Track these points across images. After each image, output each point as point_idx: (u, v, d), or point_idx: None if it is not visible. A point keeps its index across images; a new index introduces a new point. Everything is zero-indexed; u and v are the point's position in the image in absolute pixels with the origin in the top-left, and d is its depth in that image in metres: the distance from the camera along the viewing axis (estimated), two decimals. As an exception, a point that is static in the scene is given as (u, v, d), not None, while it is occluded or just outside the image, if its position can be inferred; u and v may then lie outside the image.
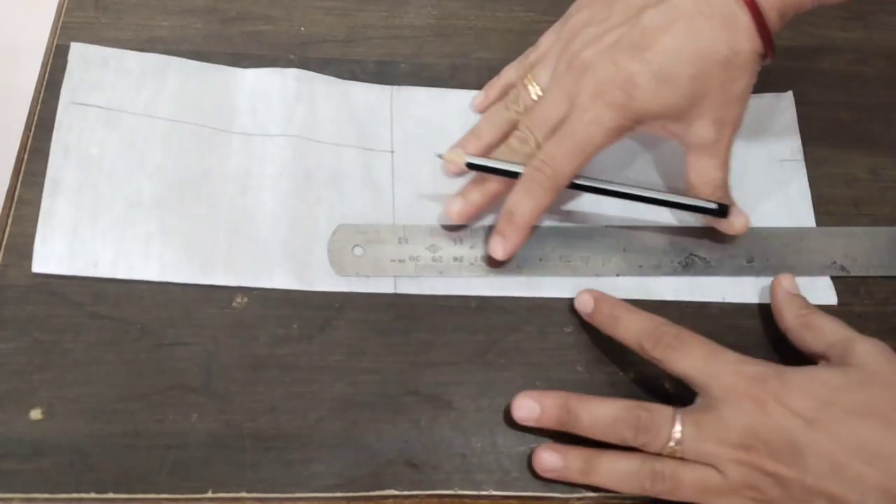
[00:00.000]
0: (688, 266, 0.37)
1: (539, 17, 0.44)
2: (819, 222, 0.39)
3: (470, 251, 0.36)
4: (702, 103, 0.34)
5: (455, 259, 0.36)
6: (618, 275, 0.36)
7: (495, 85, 0.40)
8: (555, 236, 0.37)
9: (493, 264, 0.36)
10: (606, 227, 0.37)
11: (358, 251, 0.35)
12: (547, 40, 0.38)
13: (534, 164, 0.35)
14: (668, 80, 0.33)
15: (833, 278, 0.38)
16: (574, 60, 0.35)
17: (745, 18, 0.33)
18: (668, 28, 0.33)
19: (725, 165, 0.36)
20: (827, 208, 0.40)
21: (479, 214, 0.37)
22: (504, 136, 0.38)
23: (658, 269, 0.36)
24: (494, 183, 0.36)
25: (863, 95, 0.43)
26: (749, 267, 0.37)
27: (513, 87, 0.38)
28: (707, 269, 0.37)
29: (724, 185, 0.36)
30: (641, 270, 0.36)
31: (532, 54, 0.39)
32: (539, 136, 0.35)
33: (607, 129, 0.34)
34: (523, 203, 0.35)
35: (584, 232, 0.37)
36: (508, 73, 0.40)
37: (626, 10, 0.35)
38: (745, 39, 0.33)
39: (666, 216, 0.38)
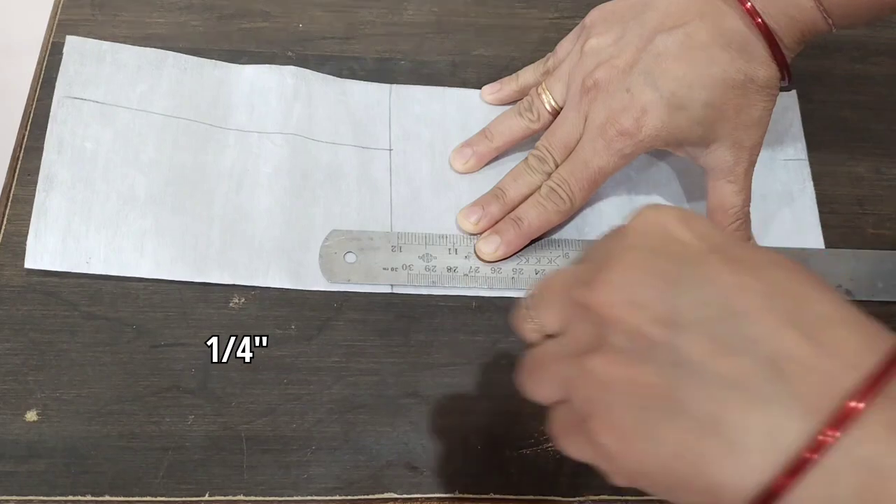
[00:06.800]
0: None
1: (540, 13, 0.43)
2: (823, 222, 0.39)
3: (464, 261, 0.35)
4: (718, 128, 0.34)
5: (449, 269, 0.35)
6: None
7: (511, 84, 0.40)
8: (553, 249, 0.36)
9: (487, 276, 0.35)
10: None
11: (350, 258, 0.35)
12: (563, 49, 0.38)
13: (549, 184, 0.35)
14: (681, 107, 0.33)
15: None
16: (587, 79, 0.35)
17: (760, 46, 0.33)
18: (682, 56, 0.33)
19: (744, 192, 0.36)
20: (831, 207, 0.39)
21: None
22: (514, 142, 0.38)
23: None
24: (517, 199, 0.36)
25: (867, 94, 0.43)
26: None
27: (528, 92, 0.38)
28: None
29: (743, 214, 0.36)
30: None
31: (549, 60, 0.39)
32: (557, 156, 0.36)
33: (617, 158, 0.34)
34: (535, 215, 0.35)
35: (584, 246, 0.37)
36: (526, 76, 0.39)
37: (640, 30, 0.35)
38: (761, 66, 0.33)
39: None
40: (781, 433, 0.20)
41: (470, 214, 0.36)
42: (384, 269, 0.35)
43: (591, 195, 0.36)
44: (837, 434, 0.19)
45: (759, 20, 0.33)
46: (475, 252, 0.36)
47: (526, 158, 0.37)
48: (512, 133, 0.38)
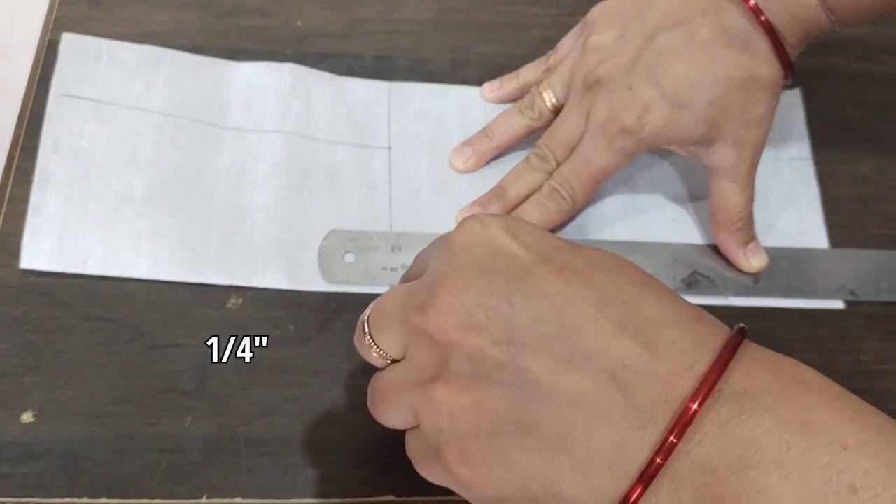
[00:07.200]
0: (692, 285, 0.36)
1: (542, 10, 0.43)
2: (827, 222, 0.39)
3: None
4: (721, 126, 0.34)
5: None
6: None
7: (512, 81, 0.39)
8: None
9: None
10: (607, 241, 0.37)
11: (349, 258, 0.35)
12: (564, 46, 0.38)
13: (551, 183, 0.35)
14: (683, 106, 0.33)
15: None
16: (588, 76, 0.35)
17: (762, 44, 0.33)
18: (684, 53, 0.33)
19: (747, 192, 0.35)
20: (835, 206, 0.39)
21: None
22: (515, 140, 0.38)
23: None
24: (517, 198, 0.36)
25: (871, 92, 0.43)
26: (755, 288, 0.36)
27: (529, 90, 0.38)
28: (712, 288, 0.36)
29: (746, 213, 0.36)
30: None
31: (550, 58, 0.39)
32: (559, 155, 0.36)
33: (619, 156, 0.34)
34: (536, 214, 0.35)
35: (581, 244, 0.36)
36: (527, 73, 0.39)
37: (642, 27, 0.34)
38: (764, 64, 0.33)
39: (671, 231, 0.37)
40: (626, 447, 0.20)
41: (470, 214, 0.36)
42: (384, 269, 0.34)
43: (593, 194, 0.36)
44: (677, 440, 0.19)
45: (763, 18, 0.32)
46: None
47: (527, 157, 0.36)
48: (513, 131, 0.37)
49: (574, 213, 0.36)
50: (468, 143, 0.38)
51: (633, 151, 0.34)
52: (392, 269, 0.34)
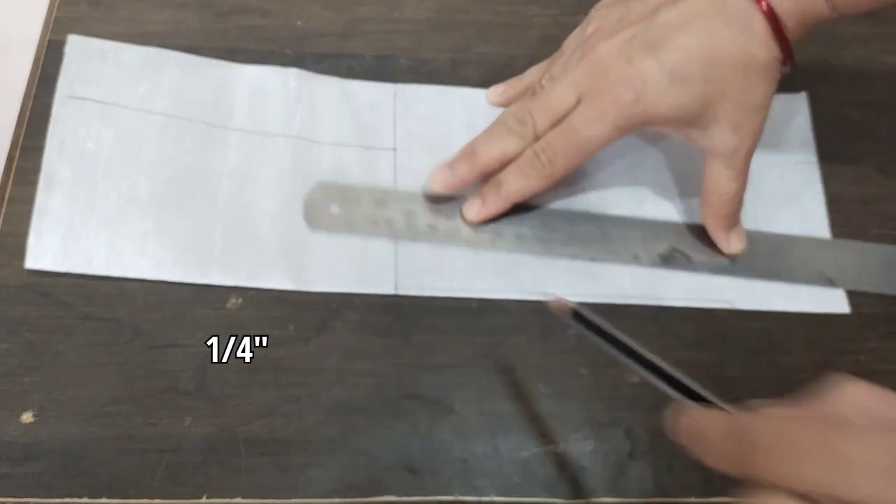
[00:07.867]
0: (668, 261, 0.36)
1: (542, 10, 0.43)
2: (830, 222, 0.39)
3: (447, 222, 0.35)
4: (718, 107, 0.33)
5: (430, 227, 0.35)
6: (592, 259, 0.36)
7: (517, 83, 0.39)
8: (535, 216, 0.36)
9: (466, 233, 0.36)
10: (589, 213, 0.37)
11: (334, 209, 0.35)
12: (569, 46, 0.38)
13: (534, 149, 0.35)
14: (681, 80, 0.33)
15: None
16: (588, 53, 0.34)
17: (762, 27, 0.33)
18: (684, 27, 0.33)
19: (741, 178, 0.35)
20: (836, 206, 0.39)
21: (463, 189, 0.36)
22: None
23: (637, 260, 0.35)
24: (489, 162, 0.35)
25: (872, 92, 0.43)
26: (732, 268, 0.36)
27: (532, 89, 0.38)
28: (688, 265, 0.36)
29: (737, 200, 0.36)
30: (619, 258, 0.35)
31: (556, 58, 0.38)
32: (539, 121, 0.35)
33: (611, 129, 0.34)
34: (515, 180, 0.35)
35: (566, 216, 0.37)
36: (531, 76, 0.39)
37: (644, 7, 0.34)
38: (762, 46, 0.33)
39: (650, 208, 0.37)
40: None
41: (438, 174, 0.35)
42: (366, 222, 0.35)
43: (577, 164, 0.35)
44: None
45: (763, 2, 0.32)
46: (460, 214, 0.36)
47: (504, 119, 0.36)
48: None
49: (554, 180, 0.35)
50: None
51: (625, 126, 0.34)
52: (374, 223, 0.35)
